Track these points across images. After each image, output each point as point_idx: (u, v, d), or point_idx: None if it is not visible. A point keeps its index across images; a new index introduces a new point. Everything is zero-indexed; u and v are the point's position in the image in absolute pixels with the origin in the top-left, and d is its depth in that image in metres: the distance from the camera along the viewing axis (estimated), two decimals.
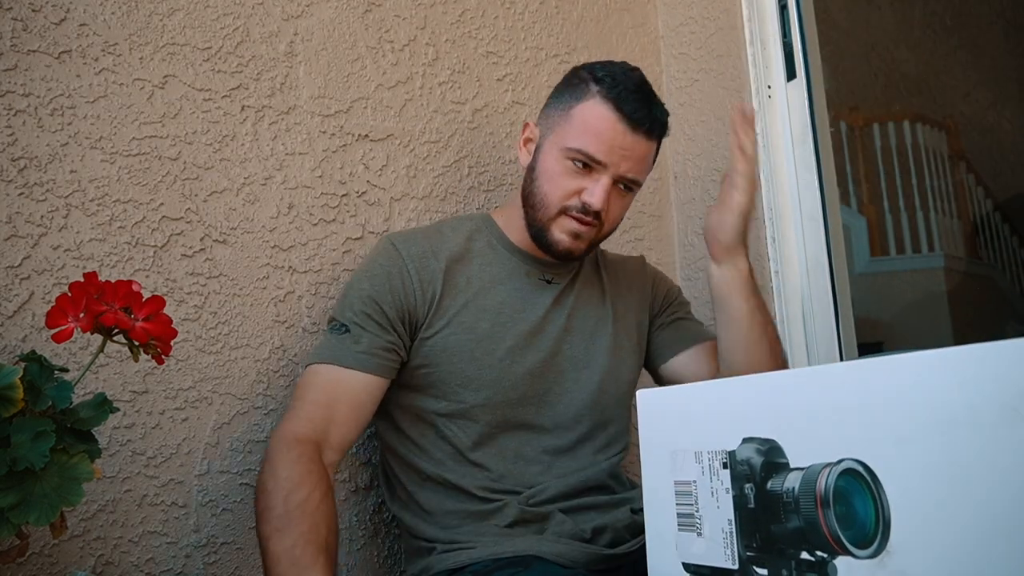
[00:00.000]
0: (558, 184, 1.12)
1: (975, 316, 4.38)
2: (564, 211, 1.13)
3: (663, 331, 1.31)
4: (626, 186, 1.14)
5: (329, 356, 1.08)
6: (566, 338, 1.19)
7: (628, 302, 1.29)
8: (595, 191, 1.11)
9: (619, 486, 1.18)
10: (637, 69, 1.17)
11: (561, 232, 1.14)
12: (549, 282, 1.21)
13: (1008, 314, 4.64)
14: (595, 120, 1.11)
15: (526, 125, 1.21)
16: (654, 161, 1.18)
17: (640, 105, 1.11)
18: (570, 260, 1.19)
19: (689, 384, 0.88)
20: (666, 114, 1.16)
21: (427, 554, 1.10)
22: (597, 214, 1.12)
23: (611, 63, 1.17)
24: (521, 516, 1.08)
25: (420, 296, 1.12)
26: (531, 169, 1.17)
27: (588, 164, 1.11)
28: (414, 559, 1.13)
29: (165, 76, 1.14)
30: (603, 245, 1.28)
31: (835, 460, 0.66)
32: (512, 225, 1.21)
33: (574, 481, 1.13)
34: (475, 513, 1.09)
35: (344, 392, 1.07)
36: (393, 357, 1.10)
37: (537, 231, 1.16)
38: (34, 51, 1.04)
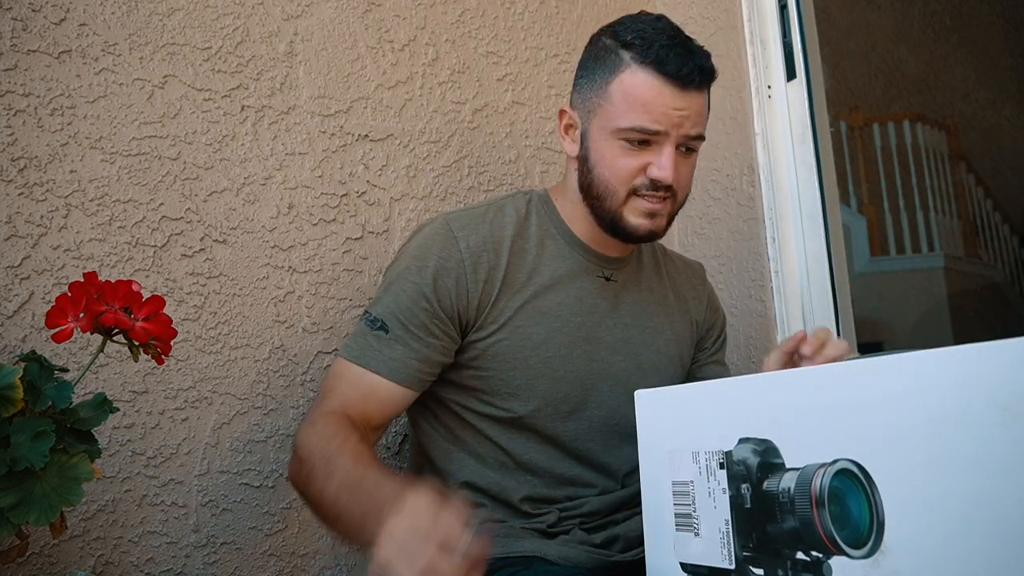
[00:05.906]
0: (618, 168, 1.05)
1: (975, 316, 4.38)
2: (633, 192, 1.05)
3: (701, 369, 1.27)
4: (689, 147, 1.06)
5: (360, 357, 1.02)
6: (621, 348, 1.14)
7: (684, 316, 1.24)
8: (662, 163, 1.03)
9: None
10: (663, 17, 1.07)
11: (637, 216, 1.07)
12: (608, 279, 1.15)
13: (1008, 314, 4.64)
14: (640, 91, 1.02)
15: (562, 112, 1.13)
16: (709, 107, 1.09)
17: (683, 60, 1.02)
18: (654, 240, 1.12)
19: (686, 385, 0.88)
20: (708, 57, 1.06)
21: None
22: (668, 187, 1.05)
23: (634, 18, 1.07)
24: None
25: (476, 296, 1.05)
26: (583, 160, 1.09)
27: (646, 139, 1.03)
28: None
29: (165, 76, 1.14)
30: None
31: (830, 460, 0.66)
32: (572, 214, 1.14)
33: (613, 499, 1.09)
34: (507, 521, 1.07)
35: (374, 395, 1.02)
36: (431, 369, 1.05)
37: (611, 222, 1.08)
38: (34, 51, 1.04)
